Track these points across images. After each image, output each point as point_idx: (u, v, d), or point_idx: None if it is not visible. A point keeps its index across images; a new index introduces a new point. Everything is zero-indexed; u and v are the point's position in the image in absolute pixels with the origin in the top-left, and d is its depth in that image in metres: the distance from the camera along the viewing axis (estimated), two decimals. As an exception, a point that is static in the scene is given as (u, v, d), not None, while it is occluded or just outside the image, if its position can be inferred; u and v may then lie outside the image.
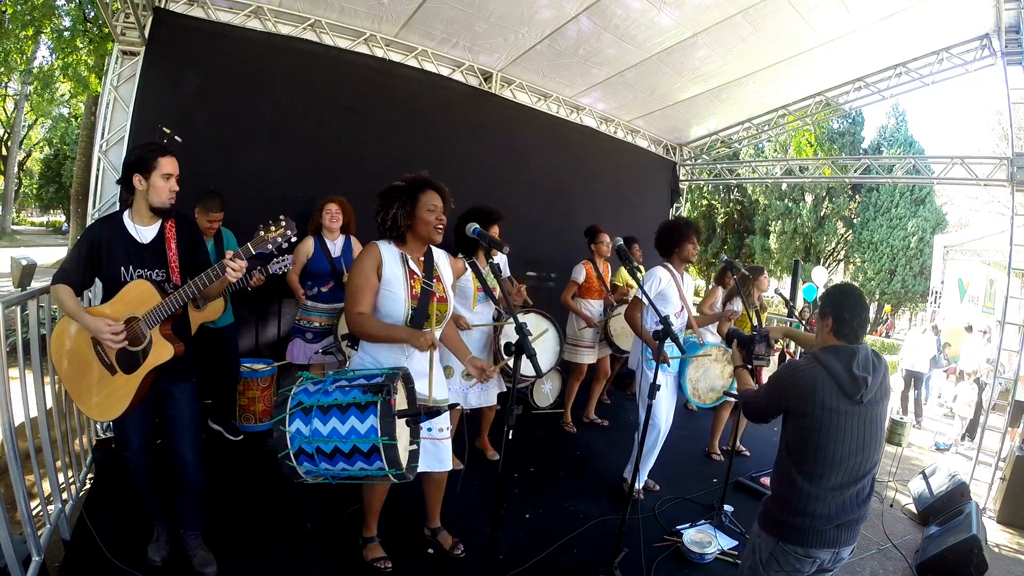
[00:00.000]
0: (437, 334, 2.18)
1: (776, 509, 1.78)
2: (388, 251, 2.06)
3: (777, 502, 1.79)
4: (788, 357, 4.20)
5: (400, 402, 1.87)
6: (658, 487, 3.30)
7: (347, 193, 3.71)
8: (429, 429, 2.12)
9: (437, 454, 2.21)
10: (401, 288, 2.02)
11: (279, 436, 1.74)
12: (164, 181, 1.94)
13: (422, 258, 2.13)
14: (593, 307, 4.32)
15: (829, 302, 1.84)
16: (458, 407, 2.99)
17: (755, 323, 3.44)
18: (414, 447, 1.95)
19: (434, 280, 2.12)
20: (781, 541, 1.74)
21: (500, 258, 3.60)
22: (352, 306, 2.00)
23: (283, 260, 3.00)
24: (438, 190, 2.10)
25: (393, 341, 2.01)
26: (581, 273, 4.26)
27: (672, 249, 3.17)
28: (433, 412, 1.82)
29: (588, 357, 4.33)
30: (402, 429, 1.87)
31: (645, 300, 2.74)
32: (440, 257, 2.23)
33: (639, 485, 3.22)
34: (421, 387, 2.06)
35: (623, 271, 4.65)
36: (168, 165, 1.95)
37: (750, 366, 2.27)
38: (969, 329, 8.00)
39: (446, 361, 3.07)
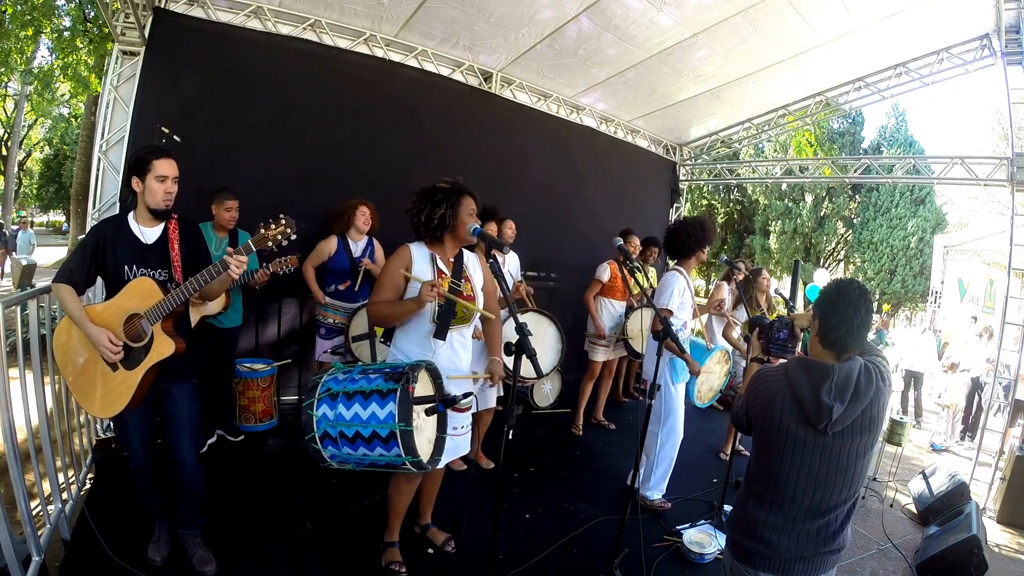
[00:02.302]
0: (467, 332, 2.25)
1: (732, 527, 1.65)
2: (419, 252, 2.15)
3: (733, 519, 1.65)
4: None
5: (425, 392, 1.95)
6: (668, 505, 3.21)
7: (346, 193, 3.71)
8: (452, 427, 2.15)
9: (450, 449, 2.20)
10: None
11: (306, 420, 1.85)
12: (159, 183, 1.95)
13: (452, 259, 2.20)
14: (615, 307, 4.33)
15: (820, 300, 1.54)
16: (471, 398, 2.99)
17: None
18: (437, 439, 2.01)
19: (463, 280, 2.19)
20: (735, 559, 1.61)
21: (512, 261, 3.60)
22: (372, 298, 2.14)
23: (285, 261, 3.03)
24: (475, 197, 2.19)
25: (404, 314, 2.09)
26: (606, 272, 4.25)
27: (692, 252, 3.08)
28: (449, 401, 1.89)
29: (602, 355, 4.32)
30: (425, 420, 1.95)
31: (652, 305, 2.72)
32: (471, 259, 2.29)
33: (658, 497, 3.20)
34: (455, 386, 2.14)
35: (640, 275, 4.60)
36: (163, 167, 1.96)
37: (767, 357, 2.04)
38: (974, 320, 8.00)
39: (475, 366, 3.11)
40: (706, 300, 4.23)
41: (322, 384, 1.90)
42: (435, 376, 2.01)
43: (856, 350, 1.49)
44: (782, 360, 1.95)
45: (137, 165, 1.96)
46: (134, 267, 1.98)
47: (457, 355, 2.22)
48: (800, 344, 2.17)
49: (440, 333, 2.10)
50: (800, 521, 1.49)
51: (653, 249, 4.73)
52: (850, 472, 1.48)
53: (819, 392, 1.40)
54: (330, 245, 3.54)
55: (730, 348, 3.88)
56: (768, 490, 1.52)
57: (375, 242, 3.73)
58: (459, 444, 2.26)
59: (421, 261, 2.13)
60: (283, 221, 1.91)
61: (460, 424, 2.24)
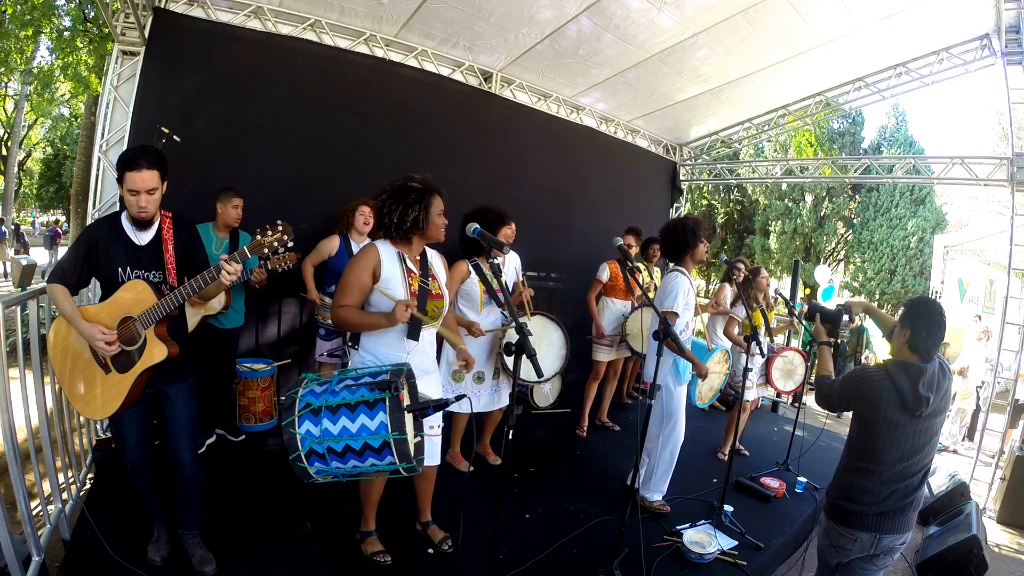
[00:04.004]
0: (435, 329, 2.25)
1: (833, 495, 2.06)
2: (386, 251, 2.11)
3: (835, 488, 2.06)
4: (788, 350, 4.19)
5: (404, 398, 1.90)
6: (668, 508, 3.19)
7: (346, 193, 3.71)
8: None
9: (430, 450, 2.25)
10: (400, 286, 2.08)
11: (289, 439, 1.77)
12: (131, 196, 1.89)
13: (418, 258, 2.20)
14: (616, 307, 4.33)
15: (910, 315, 1.95)
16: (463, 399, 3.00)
17: (763, 323, 3.45)
18: (418, 440, 2.00)
19: (430, 278, 2.20)
20: (832, 520, 2.03)
21: (514, 260, 3.56)
22: (337, 300, 2.06)
23: (283, 258, 3.00)
24: (442, 195, 2.18)
25: (373, 326, 2.04)
26: (605, 272, 4.26)
27: (685, 252, 3.06)
28: (440, 405, 1.86)
29: (605, 355, 4.32)
30: (410, 425, 1.91)
31: (652, 306, 2.71)
32: (434, 257, 2.31)
33: (658, 499, 3.19)
34: (423, 385, 2.11)
35: (643, 274, 4.58)
36: (133, 181, 1.85)
37: (834, 339, 2.36)
38: (979, 318, 8.00)
39: (480, 367, 3.16)
40: (707, 300, 4.23)
41: (300, 400, 1.80)
42: (409, 378, 1.98)
43: (936, 353, 1.94)
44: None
45: (117, 171, 1.91)
46: (127, 268, 1.96)
47: (427, 354, 2.24)
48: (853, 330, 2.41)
49: (413, 334, 2.09)
50: (891, 483, 1.92)
51: (655, 247, 4.71)
52: (932, 441, 1.95)
53: (917, 387, 1.84)
54: (332, 244, 3.52)
55: (729, 346, 3.88)
56: (870, 463, 1.94)
57: None
58: (437, 444, 2.30)
59: (390, 260, 2.09)
60: (280, 228, 1.89)
61: (435, 423, 2.27)
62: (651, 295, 4.47)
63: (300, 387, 1.85)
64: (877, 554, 1.96)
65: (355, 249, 3.54)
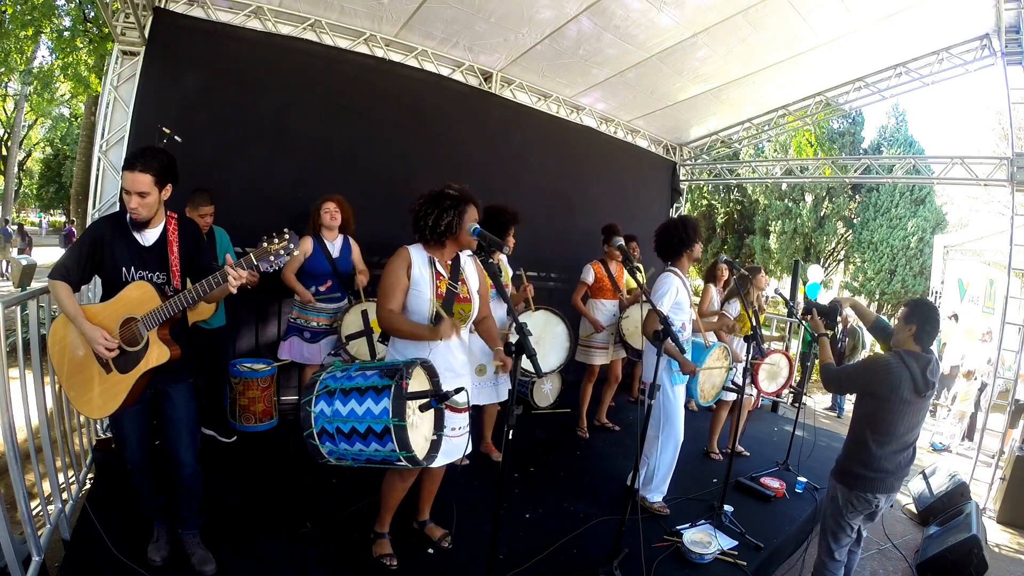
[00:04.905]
0: (464, 332, 2.28)
1: (851, 466, 2.41)
2: (417, 255, 2.19)
3: (852, 460, 2.41)
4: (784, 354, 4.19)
5: (421, 388, 1.97)
6: (667, 511, 3.16)
7: (346, 193, 3.70)
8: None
9: (447, 449, 2.21)
10: (427, 288, 2.15)
11: (305, 416, 1.89)
12: (125, 195, 1.91)
13: (449, 262, 2.26)
14: (606, 307, 4.27)
15: (916, 313, 2.36)
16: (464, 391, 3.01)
17: (754, 324, 3.45)
18: (435, 437, 2.03)
19: (459, 282, 2.24)
20: (854, 489, 2.38)
21: (500, 257, 3.56)
22: (383, 303, 2.16)
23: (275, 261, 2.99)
24: (477, 205, 2.23)
25: (414, 336, 2.12)
26: (590, 274, 4.22)
27: (682, 251, 3.05)
28: (442, 396, 1.91)
29: (600, 358, 4.28)
30: (421, 417, 1.97)
31: (651, 304, 2.72)
32: (468, 262, 2.34)
33: (657, 499, 3.18)
34: (451, 386, 2.12)
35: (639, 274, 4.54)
36: (126, 181, 1.88)
37: (831, 331, 2.74)
38: (955, 318, 8.02)
39: (481, 359, 3.16)
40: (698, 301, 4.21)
41: (320, 382, 1.93)
42: (432, 374, 2.02)
43: (932, 346, 2.37)
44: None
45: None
46: (132, 268, 1.96)
47: (454, 355, 2.23)
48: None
49: None
50: (898, 453, 2.34)
51: (632, 244, 4.69)
52: (924, 419, 2.41)
53: (925, 372, 2.26)
54: (306, 246, 3.44)
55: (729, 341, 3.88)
56: (885, 436, 2.32)
57: (351, 242, 3.63)
58: (458, 445, 2.27)
59: (420, 263, 2.16)
60: (286, 236, 1.88)
61: (458, 425, 2.24)
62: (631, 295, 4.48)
63: (324, 371, 1.98)
64: (879, 510, 2.42)
65: (330, 247, 3.52)
